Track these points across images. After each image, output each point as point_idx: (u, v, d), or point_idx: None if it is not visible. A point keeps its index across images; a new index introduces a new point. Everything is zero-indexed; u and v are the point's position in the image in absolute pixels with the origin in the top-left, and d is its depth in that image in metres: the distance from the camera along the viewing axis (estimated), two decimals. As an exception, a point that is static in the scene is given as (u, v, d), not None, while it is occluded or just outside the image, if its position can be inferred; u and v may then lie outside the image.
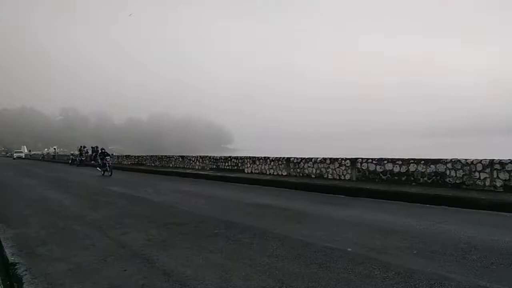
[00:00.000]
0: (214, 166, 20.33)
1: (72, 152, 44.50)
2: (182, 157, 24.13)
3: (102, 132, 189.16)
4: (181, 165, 23.71)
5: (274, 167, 15.96)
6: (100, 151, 22.97)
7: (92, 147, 41.11)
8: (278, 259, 4.93)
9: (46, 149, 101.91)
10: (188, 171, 20.67)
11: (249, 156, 17.92)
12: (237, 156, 19.07)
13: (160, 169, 23.58)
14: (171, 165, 25.08)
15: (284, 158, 15.60)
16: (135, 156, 32.17)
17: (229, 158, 19.43)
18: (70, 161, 40.24)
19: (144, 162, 29.48)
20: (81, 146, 41.67)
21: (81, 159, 37.81)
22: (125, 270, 4.72)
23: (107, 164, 21.34)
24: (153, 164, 27.79)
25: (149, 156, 29.45)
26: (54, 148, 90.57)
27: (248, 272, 4.46)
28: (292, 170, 14.97)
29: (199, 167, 21.65)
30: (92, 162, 37.97)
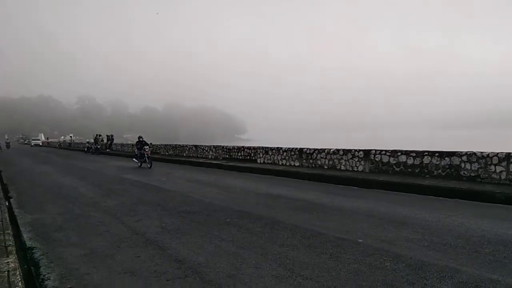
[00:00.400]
0: (227, 156, 20.42)
1: (87, 140, 45.07)
2: (196, 146, 24.29)
3: (117, 121, 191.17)
4: (194, 154, 23.88)
5: (287, 157, 15.96)
6: (138, 139, 20.06)
7: (107, 136, 41.68)
8: (289, 248, 4.97)
9: (62, 137, 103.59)
10: (201, 160, 20.81)
11: (262, 147, 17.95)
12: (250, 146, 19.12)
13: (174, 158, 23.79)
14: (184, 154, 25.27)
15: (296, 149, 15.57)
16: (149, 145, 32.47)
17: (242, 148, 19.49)
18: (85, 149, 40.84)
19: (159, 151, 29.74)
20: (96, 135, 42.25)
21: (97, 147, 38.34)
22: (138, 257, 4.83)
23: (145, 155, 18.68)
24: (167, 153, 28.04)
25: (163, 145, 29.70)
26: (71, 136, 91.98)
27: (259, 261, 4.51)
28: (304, 161, 14.95)
29: (212, 157, 21.78)
30: (108, 150, 38.54)
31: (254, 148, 18.54)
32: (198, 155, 23.37)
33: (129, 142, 42.62)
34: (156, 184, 11.99)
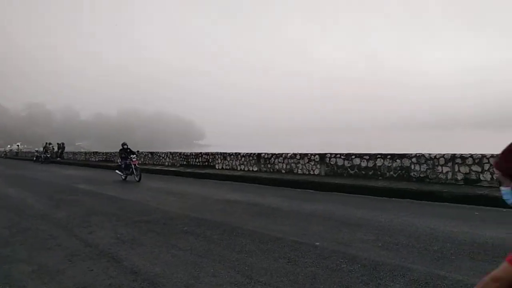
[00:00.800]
0: (185, 162, 20.16)
1: (36, 149, 42.89)
2: (152, 153, 23.79)
3: (68, 128, 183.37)
4: (151, 162, 23.37)
5: (245, 162, 15.99)
6: (121, 146, 16.65)
7: (58, 144, 39.88)
8: (247, 255, 4.97)
9: (9, 146, 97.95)
10: (157, 167, 20.41)
11: (220, 152, 17.88)
12: (208, 152, 19.00)
13: (129, 166, 23.14)
14: (140, 162, 24.67)
15: (255, 154, 15.65)
16: (103, 153, 31.43)
17: (200, 154, 19.32)
18: (34, 158, 38.86)
19: (113, 159, 28.83)
20: (46, 143, 40.30)
21: (46, 156, 36.57)
22: (91, 270, 4.63)
23: (132, 166, 15.44)
24: (122, 161, 27.24)
25: (117, 152, 28.81)
26: (18, 145, 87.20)
27: (217, 269, 4.47)
28: (263, 165, 15.05)
29: (169, 164, 21.42)
30: (58, 158, 36.87)
31: (212, 154, 18.43)
32: (155, 162, 22.89)
33: (81, 150, 41.02)
34: (110, 193, 11.61)
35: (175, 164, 20.87)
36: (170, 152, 22.06)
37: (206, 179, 14.97)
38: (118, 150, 18.00)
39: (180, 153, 21.03)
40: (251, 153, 15.91)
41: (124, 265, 4.75)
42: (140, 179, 14.97)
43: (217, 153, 18.03)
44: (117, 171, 16.79)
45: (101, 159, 30.90)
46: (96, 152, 33.04)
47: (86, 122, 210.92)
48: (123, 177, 16.01)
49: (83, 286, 4.15)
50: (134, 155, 15.84)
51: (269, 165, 14.77)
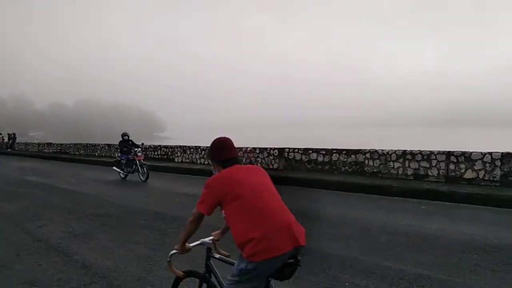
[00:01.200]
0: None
1: (-17, 140, 40.58)
2: (109, 145, 23.16)
3: (21, 118, 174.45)
4: (108, 154, 22.76)
5: (206, 156, 15.93)
6: (121, 138, 13.56)
7: (8, 134, 37.95)
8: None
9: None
10: (114, 160, 19.90)
11: (180, 145, 17.70)
12: (167, 145, 18.74)
13: (85, 158, 22.42)
14: (96, 154, 23.97)
15: (206, 147, 15.59)
16: (57, 144, 30.25)
17: (159, 147, 19.03)
18: (-18, 149, 36.79)
19: (68, 151, 27.84)
20: (-5, 133, 38.25)
21: (-5, 147, 34.74)
22: (40, 265, 4.50)
23: (136, 161, 12.51)
24: (77, 153, 26.36)
25: (73, 144, 27.84)
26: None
27: (171, 262, 4.47)
28: (222, 159, 15.05)
29: (128, 156, 20.94)
30: (9, 150, 35.10)
31: (171, 147, 18.21)
32: (112, 155, 22.30)
33: (35, 141, 39.25)
34: (63, 186, 11.24)
35: (134, 156, 20.44)
36: (129, 145, 21.55)
37: (165, 172, 14.79)
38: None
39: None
40: (200, 146, 15.83)
41: (74, 259, 4.66)
42: (147, 178, 12.06)
43: (176, 146, 17.83)
44: (115, 168, 13.76)
45: (55, 150, 29.73)
46: (50, 144, 31.74)
47: (41, 112, 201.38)
48: (122, 176, 13.26)
49: (31, 281, 4.04)
50: (139, 149, 12.97)
51: (229, 159, 14.79)
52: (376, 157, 10.36)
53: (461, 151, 8.99)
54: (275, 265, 2.17)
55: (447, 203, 7.67)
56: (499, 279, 3.79)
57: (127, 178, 12.99)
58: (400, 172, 9.87)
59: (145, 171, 12.15)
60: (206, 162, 15.77)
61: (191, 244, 2.59)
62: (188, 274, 2.74)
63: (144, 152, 14.49)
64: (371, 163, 10.46)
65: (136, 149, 12.84)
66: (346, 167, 10.99)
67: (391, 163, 10.05)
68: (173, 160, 17.52)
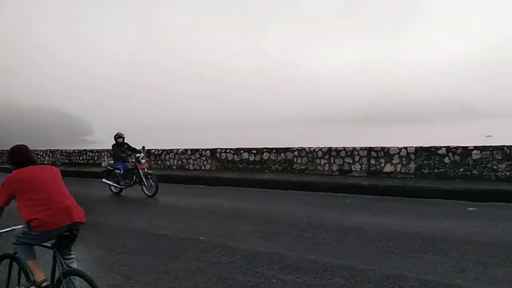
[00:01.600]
0: (67, 161, 18.66)
1: None
2: (52, 151, 21.49)
3: None
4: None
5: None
6: (115, 140, 10.30)
7: None
8: (129, 255, 4.84)
9: None
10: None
11: (107, 149, 16.92)
12: (93, 149, 17.84)
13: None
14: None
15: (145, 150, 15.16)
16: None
17: (84, 152, 18.06)
18: None
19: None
20: None
21: None
22: None
23: (139, 172, 9.63)
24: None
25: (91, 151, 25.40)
26: None
27: (95, 272, 4.26)
28: (153, 162, 14.67)
29: (49, 162, 19.58)
30: None
31: (98, 151, 17.37)
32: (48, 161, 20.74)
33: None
34: None
35: (56, 162, 19.17)
36: (50, 150, 20.19)
37: (90, 178, 14.06)
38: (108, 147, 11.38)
39: (61, 151, 19.39)
40: (140, 150, 15.36)
41: None
42: (156, 191, 9.21)
43: (103, 150, 17.04)
44: (105, 180, 10.33)
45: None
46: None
47: None
48: (114, 191, 10.21)
49: None
50: (141, 154, 10.03)
51: (159, 161, 14.46)
52: (304, 154, 10.73)
53: (381, 147, 9.61)
54: (52, 235, 3.00)
55: (369, 196, 8.17)
56: (411, 264, 4.11)
57: (122, 193, 10.15)
58: (326, 168, 10.32)
59: (152, 183, 9.40)
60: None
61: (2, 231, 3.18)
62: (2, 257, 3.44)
63: (145, 155, 11.05)
64: (299, 160, 10.82)
65: (138, 154, 9.92)
66: (276, 165, 11.26)
67: (318, 160, 10.47)
68: (100, 165, 16.71)
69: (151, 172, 9.83)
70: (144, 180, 9.46)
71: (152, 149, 14.85)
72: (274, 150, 11.36)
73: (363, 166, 9.73)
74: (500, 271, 3.81)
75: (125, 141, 10.27)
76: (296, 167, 10.85)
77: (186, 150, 13.76)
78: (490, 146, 8.33)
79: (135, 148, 10.23)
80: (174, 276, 4.07)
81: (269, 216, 6.63)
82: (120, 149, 10.07)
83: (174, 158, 13.98)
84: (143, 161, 9.79)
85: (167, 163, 14.18)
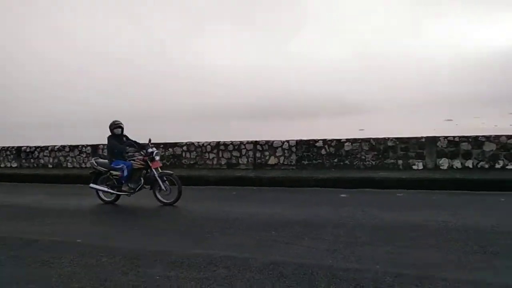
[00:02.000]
0: None
1: None
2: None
3: None
4: None
5: (1, 158, 13.65)
6: (111, 131, 7.52)
7: None
8: None
9: None
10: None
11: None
12: None
13: None
14: None
15: (14, 147, 13.53)
16: None
17: None
18: None
19: None
20: None
21: None
22: None
23: (154, 172, 7.20)
24: None
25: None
26: None
27: None
28: (24, 161, 13.18)
29: None
30: None
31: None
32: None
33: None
34: None
35: None
36: None
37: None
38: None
39: None
40: (8, 147, 13.67)
41: None
42: (179, 197, 7.05)
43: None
44: (93, 185, 7.67)
45: None
46: None
47: None
48: (106, 199, 7.69)
49: None
50: (154, 149, 7.41)
51: (32, 160, 13.03)
52: (193, 149, 10.68)
53: (265, 141, 10.03)
54: None
55: (255, 188, 8.48)
56: (291, 250, 4.38)
57: (118, 202, 7.66)
58: (215, 162, 10.42)
59: (169, 187, 7.17)
60: (2, 165, 13.52)
61: None
62: None
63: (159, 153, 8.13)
64: (188, 155, 10.73)
65: (150, 149, 7.32)
66: (164, 161, 10.98)
67: (207, 154, 10.52)
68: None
69: (170, 172, 7.57)
70: (160, 183, 7.18)
71: (23, 146, 13.33)
72: (162, 145, 11.07)
73: (250, 159, 10.06)
74: (365, 250, 4.27)
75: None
76: (185, 161, 10.74)
77: (63, 146, 12.63)
78: (359, 139, 9.28)
79: (137, 142, 7.68)
80: (44, 284, 3.71)
81: (155, 213, 6.47)
82: (119, 145, 7.48)
83: (50, 156, 12.74)
84: (157, 157, 7.41)
85: (41, 161, 12.85)
